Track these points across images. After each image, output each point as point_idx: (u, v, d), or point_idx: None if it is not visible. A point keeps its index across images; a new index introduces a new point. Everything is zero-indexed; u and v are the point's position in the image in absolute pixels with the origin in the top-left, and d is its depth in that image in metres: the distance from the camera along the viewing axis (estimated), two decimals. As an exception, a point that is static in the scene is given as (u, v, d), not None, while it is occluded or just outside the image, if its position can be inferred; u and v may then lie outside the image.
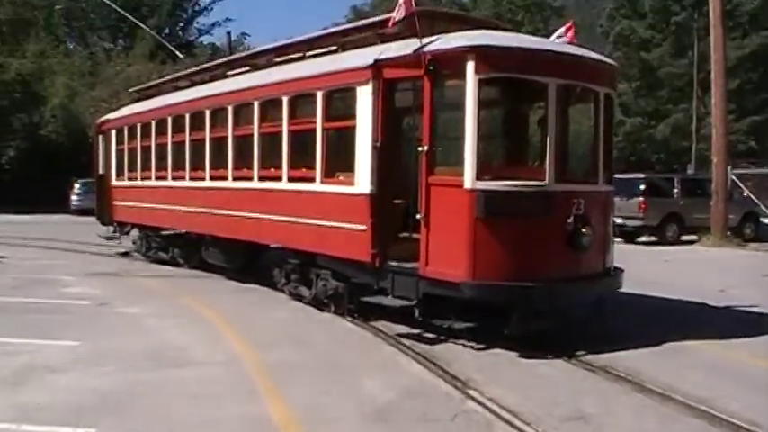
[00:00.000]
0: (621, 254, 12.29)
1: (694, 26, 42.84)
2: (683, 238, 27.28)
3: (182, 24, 67.73)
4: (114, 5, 45.83)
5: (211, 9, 68.73)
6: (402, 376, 8.51)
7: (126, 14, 42.65)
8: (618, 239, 15.34)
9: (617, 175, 12.67)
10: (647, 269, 17.53)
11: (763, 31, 47.95)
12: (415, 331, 10.43)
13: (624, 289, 11.08)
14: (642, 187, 27.18)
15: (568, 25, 11.79)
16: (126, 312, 12.26)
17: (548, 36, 12.22)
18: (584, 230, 9.78)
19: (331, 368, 8.81)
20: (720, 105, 26.84)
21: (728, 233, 26.31)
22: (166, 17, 63.28)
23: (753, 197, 30.93)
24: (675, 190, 28.01)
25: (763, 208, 30.63)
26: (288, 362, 9.01)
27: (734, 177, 30.59)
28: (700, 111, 42.98)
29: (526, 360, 9.20)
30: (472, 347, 9.75)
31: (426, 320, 10.19)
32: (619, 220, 23.26)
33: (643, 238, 27.52)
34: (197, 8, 68.15)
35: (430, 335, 10.25)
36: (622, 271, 10.93)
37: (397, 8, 10.24)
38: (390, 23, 10.46)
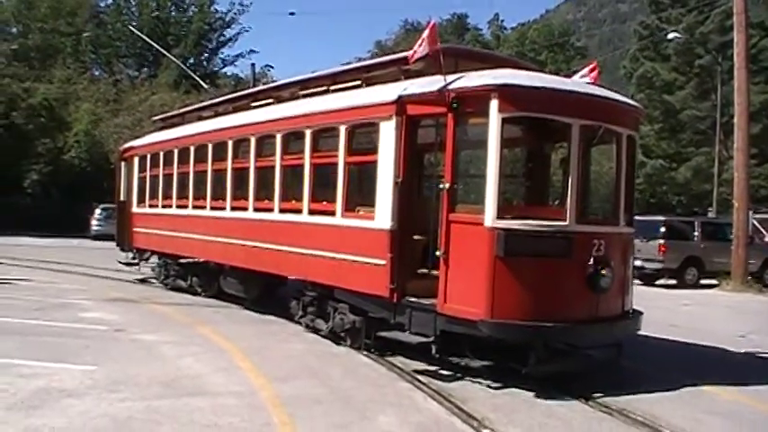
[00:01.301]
0: (640, 296, 12.21)
1: (718, 69, 42.76)
2: (703, 281, 27.13)
3: (206, 55, 68.53)
4: (141, 34, 46.52)
5: (236, 40, 69.35)
6: (417, 413, 8.45)
7: (152, 43, 43.21)
8: (637, 282, 15.24)
9: (637, 217, 12.61)
10: (665, 312, 17.45)
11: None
12: (432, 368, 10.38)
13: (643, 332, 11.01)
14: (662, 230, 27.07)
15: (592, 66, 11.84)
16: (143, 339, 12.28)
17: (570, 76, 12.27)
18: (603, 272, 9.72)
19: (346, 403, 8.77)
20: (743, 150, 26.75)
21: (749, 278, 26.09)
22: (192, 47, 64.02)
23: (773, 242, 30.68)
24: (696, 233, 27.85)
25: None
26: (303, 395, 8.98)
27: (755, 222, 30.37)
28: (722, 154, 42.82)
29: (543, 401, 9.12)
30: (489, 386, 9.68)
31: (443, 357, 10.14)
32: (638, 263, 23.14)
33: (662, 281, 27.36)
34: (222, 39, 68.97)
35: (446, 372, 10.19)
36: (641, 314, 10.84)
37: (418, 43, 10.33)
38: (411, 59, 10.53)
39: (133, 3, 66.26)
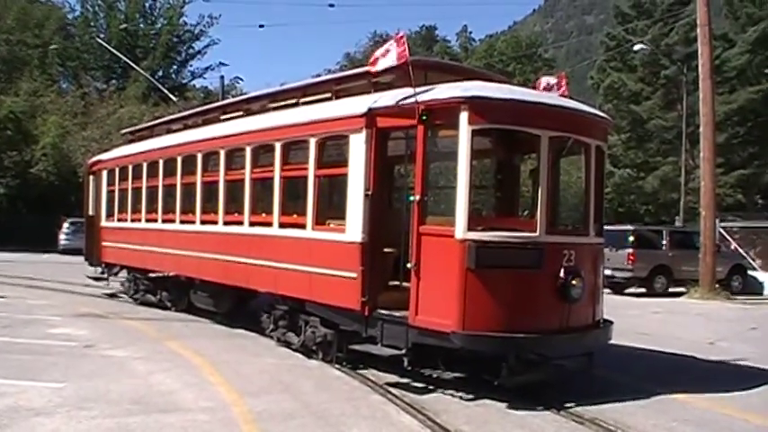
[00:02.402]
0: (610, 305, 12.29)
1: (683, 80, 43.21)
2: (672, 289, 27.44)
3: (175, 67, 68.13)
4: (108, 46, 46.24)
5: (205, 53, 69.08)
6: (390, 427, 8.43)
7: (120, 55, 43.01)
8: (606, 290, 15.32)
9: (606, 227, 12.71)
10: (635, 321, 17.59)
11: (751, 87, 48.54)
12: (404, 380, 10.38)
13: (613, 341, 11.07)
14: (631, 239, 27.40)
15: (561, 77, 11.92)
16: (112, 355, 12.17)
17: (536, 84, 12.35)
18: (574, 282, 9.78)
19: (319, 417, 8.73)
20: (709, 159, 27.10)
21: (716, 285, 26.42)
22: (160, 60, 63.63)
23: (740, 250, 31.12)
24: (664, 242, 28.24)
25: (751, 261, 30.81)
26: (275, 410, 8.92)
27: (722, 230, 30.80)
28: (688, 164, 43.28)
29: (515, 411, 9.14)
30: (461, 398, 9.69)
31: (416, 370, 10.16)
32: (608, 272, 23.30)
33: (631, 290, 27.61)
34: (191, 51, 68.71)
35: (419, 384, 10.19)
36: (612, 323, 10.90)
37: (381, 52, 10.35)
38: (373, 65, 10.53)
39: (101, 15, 65.83)
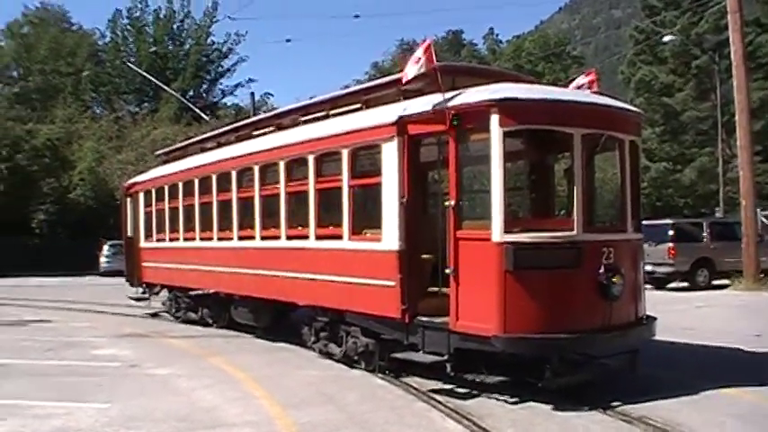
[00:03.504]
0: (652, 301, 12.14)
1: (716, 69, 42.72)
2: (715, 282, 27.00)
3: (205, 86, 68.91)
4: (139, 70, 46.79)
5: (234, 70, 69.71)
6: (436, 433, 8.41)
7: (151, 78, 43.49)
8: (648, 286, 15.13)
9: (645, 222, 12.56)
10: (679, 316, 17.36)
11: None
12: (448, 386, 10.32)
13: (658, 337, 10.93)
14: (670, 233, 26.99)
15: (590, 74, 11.82)
16: (156, 374, 12.26)
17: (566, 85, 12.27)
18: (615, 279, 9.68)
19: (363, 427, 8.71)
20: (746, 148, 26.73)
21: (761, 276, 25.92)
22: (190, 80, 64.32)
23: (784, 238, 30.55)
24: (705, 234, 27.77)
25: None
26: (320, 421, 8.92)
27: (764, 219, 30.28)
28: (725, 153, 42.75)
29: (561, 413, 9.05)
30: (506, 401, 9.62)
31: (458, 375, 10.12)
32: (648, 267, 23.05)
33: (673, 285, 27.27)
34: (220, 70, 69.40)
35: (462, 390, 10.14)
36: (655, 319, 10.79)
37: (411, 62, 10.35)
38: (404, 79, 10.55)
39: (131, 39, 66.73)
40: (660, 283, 26.62)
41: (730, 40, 27.52)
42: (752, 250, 25.84)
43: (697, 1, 48.19)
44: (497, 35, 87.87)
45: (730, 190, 39.69)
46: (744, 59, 26.93)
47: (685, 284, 27.13)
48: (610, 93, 13.06)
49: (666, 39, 42.05)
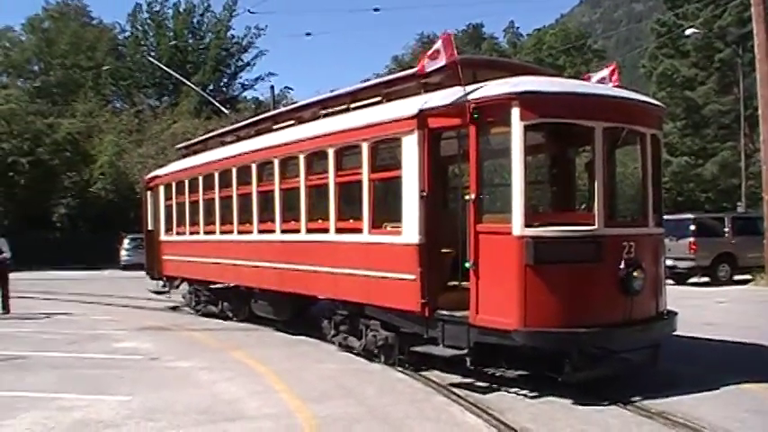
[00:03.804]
0: (674, 296, 12.07)
1: (739, 62, 42.36)
2: (736, 278, 26.80)
3: (225, 80, 68.99)
4: (159, 63, 46.95)
5: (254, 64, 69.86)
6: (455, 427, 8.40)
7: (171, 72, 43.63)
8: (669, 281, 15.01)
9: (666, 216, 12.48)
10: (700, 311, 17.26)
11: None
12: (468, 380, 10.32)
13: (679, 332, 10.88)
14: (692, 228, 26.80)
15: (612, 67, 11.76)
16: (177, 366, 12.33)
17: (588, 78, 12.20)
18: (635, 274, 9.64)
19: (383, 421, 8.73)
20: (769, 142, 26.42)
21: (784, 271, 25.67)
22: (210, 73, 64.41)
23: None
24: (726, 229, 27.56)
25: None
26: (340, 415, 8.94)
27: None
28: (748, 148, 42.34)
29: (581, 407, 9.03)
30: (525, 396, 9.61)
31: (478, 369, 10.11)
32: (669, 262, 22.91)
33: (694, 279, 27.10)
34: (240, 64, 69.49)
35: (482, 384, 10.13)
36: (676, 314, 10.73)
37: (429, 54, 10.30)
38: (421, 70, 10.51)
39: (151, 34, 66.95)
40: (681, 278, 26.48)
41: (754, 32, 27.10)
42: (774, 246, 25.55)
43: (719, -7, 47.84)
44: (518, 28, 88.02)
45: (753, 185, 39.30)
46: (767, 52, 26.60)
47: (706, 279, 26.94)
48: (631, 86, 13.02)
49: (689, 32, 41.58)
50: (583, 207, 11.61)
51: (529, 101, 9.57)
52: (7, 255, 20.44)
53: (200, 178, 18.75)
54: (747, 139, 42.84)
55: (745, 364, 11.40)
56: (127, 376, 11.44)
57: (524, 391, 9.71)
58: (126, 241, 43.77)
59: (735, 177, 45.12)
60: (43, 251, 43.86)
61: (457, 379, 10.46)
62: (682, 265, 26.19)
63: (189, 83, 45.48)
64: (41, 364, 12.57)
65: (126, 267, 40.99)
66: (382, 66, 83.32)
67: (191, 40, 66.28)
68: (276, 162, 14.75)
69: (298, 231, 13.96)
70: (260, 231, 15.58)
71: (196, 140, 23.57)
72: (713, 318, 16.69)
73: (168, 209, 21.45)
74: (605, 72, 11.72)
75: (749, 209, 36.51)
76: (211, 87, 62.79)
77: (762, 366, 11.30)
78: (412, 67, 11.72)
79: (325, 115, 13.96)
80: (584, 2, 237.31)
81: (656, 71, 54.27)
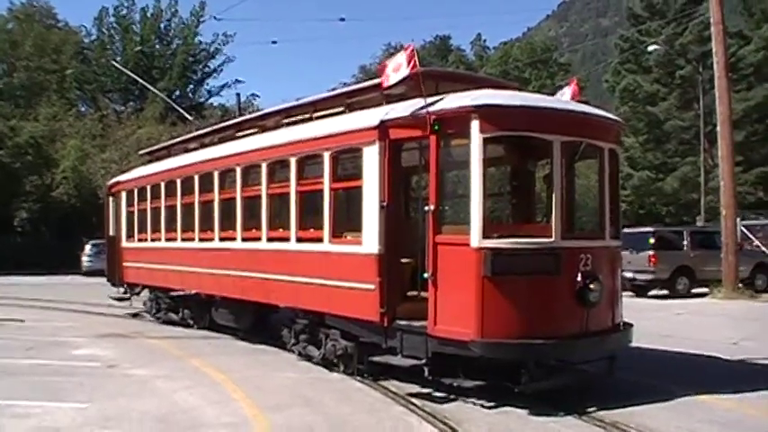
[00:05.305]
0: (633, 308, 12.24)
1: (699, 79, 43.09)
2: (694, 290, 27.18)
3: (192, 86, 68.55)
4: (125, 69, 46.60)
5: (221, 71, 69.42)
6: (412, 437, 8.45)
7: (136, 77, 43.31)
8: (628, 293, 15.21)
9: (626, 229, 12.66)
10: (659, 323, 17.49)
11: (768, 83, 48.26)
12: (426, 390, 10.37)
13: (635, 343, 11.04)
14: (652, 240, 27.19)
15: (573, 82, 11.93)
16: (136, 374, 12.25)
17: (554, 92, 12.36)
18: (592, 286, 9.77)
19: (340, 430, 8.76)
20: (728, 158, 26.94)
21: (740, 285, 26.13)
22: (177, 79, 64.02)
23: (763, 248, 30.79)
24: (685, 243, 27.98)
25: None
26: (297, 424, 8.96)
27: (743, 229, 30.51)
28: (707, 163, 43.07)
29: (537, 417, 9.13)
30: (482, 406, 9.67)
31: (436, 379, 10.14)
32: (629, 274, 23.32)
33: (654, 292, 27.44)
34: (207, 70, 69.08)
35: (440, 394, 10.18)
36: (632, 326, 10.87)
37: (391, 67, 10.37)
38: (383, 84, 10.60)
39: (117, 38, 66.34)
40: (641, 290, 26.83)
41: (713, 51, 27.71)
42: (732, 259, 26.04)
43: (682, 12, 48.65)
44: (485, 41, 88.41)
45: (712, 199, 39.95)
46: (726, 71, 27.12)
47: (666, 292, 27.30)
48: (595, 101, 13.20)
49: (651, 48, 42.33)
50: (542, 220, 11.74)
51: (488, 114, 9.69)
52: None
53: (163, 185, 18.66)
54: (707, 154, 43.57)
55: (700, 376, 11.57)
56: (84, 383, 11.30)
57: (482, 402, 9.77)
58: (88, 247, 43.28)
59: (695, 192, 45.82)
60: (4, 256, 43.27)
61: (415, 389, 10.50)
62: (641, 277, 26.54)
63: (154, 89, 45.18)
64: (-3, 370, 12.43)
65: (88, 273, 40.52)
66: (350, 75, 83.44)
67: (157, 46, 65.73)
68: (238, 170, 14.74)
69: (259, 240, 13.95)
70: (221, 239, 15.55)
71: (160, 146, 23.43)
72: (671, 330, 16.90)
73: (130, 215, 21.29)
74: (567, 90, 11.86)
75: (708, 223, 37.10)
76: (177, 93, 62.43)
77: (716, 378, 11.50)
78: (376, 78, 11.79)
79: (289, 124, 13.98)
80: (551, 16, 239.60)
81: (618, 86, 55.11)
